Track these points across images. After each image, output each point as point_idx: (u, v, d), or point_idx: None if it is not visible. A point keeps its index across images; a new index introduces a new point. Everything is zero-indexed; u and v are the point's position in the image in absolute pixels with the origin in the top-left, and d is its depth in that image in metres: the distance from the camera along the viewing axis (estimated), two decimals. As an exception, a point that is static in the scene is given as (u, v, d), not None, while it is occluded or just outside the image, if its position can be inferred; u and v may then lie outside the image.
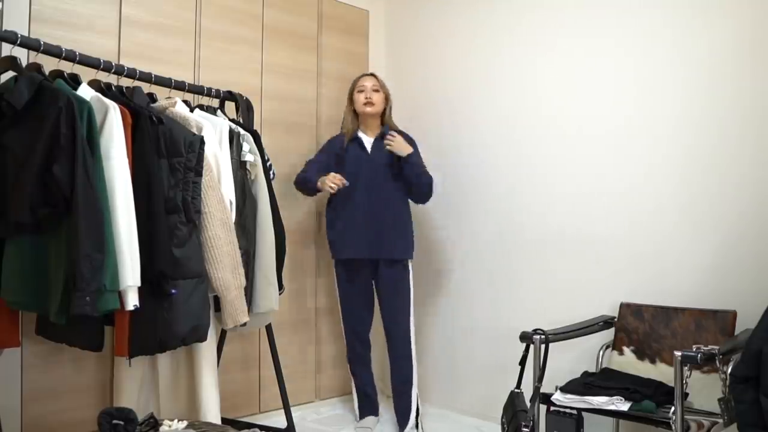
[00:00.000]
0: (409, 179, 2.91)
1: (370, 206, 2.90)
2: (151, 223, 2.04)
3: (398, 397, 2.94)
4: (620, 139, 2.64)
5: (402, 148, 2.88)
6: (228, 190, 2.32)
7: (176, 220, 2.09)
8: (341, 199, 2.92)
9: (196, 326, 2.12)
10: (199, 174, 2.17)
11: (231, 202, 2.32)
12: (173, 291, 2.05)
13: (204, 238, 2.19)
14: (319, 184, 2.87)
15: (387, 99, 3.04)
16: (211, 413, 2.29)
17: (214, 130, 2.35)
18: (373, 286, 3.01)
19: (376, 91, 3.00)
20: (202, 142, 2.18)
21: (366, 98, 2.97)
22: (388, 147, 2.87)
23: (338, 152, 2.99)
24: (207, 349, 2.32)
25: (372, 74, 3.08)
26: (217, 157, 2.30)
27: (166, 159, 2.10)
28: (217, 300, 2.28)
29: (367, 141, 2.99)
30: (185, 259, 2.09)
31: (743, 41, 2.32)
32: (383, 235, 2.90)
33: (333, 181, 2.80)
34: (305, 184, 2.97)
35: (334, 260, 3.04)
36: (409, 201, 3.00)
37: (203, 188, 2.18)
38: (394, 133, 2.92)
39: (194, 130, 2.22)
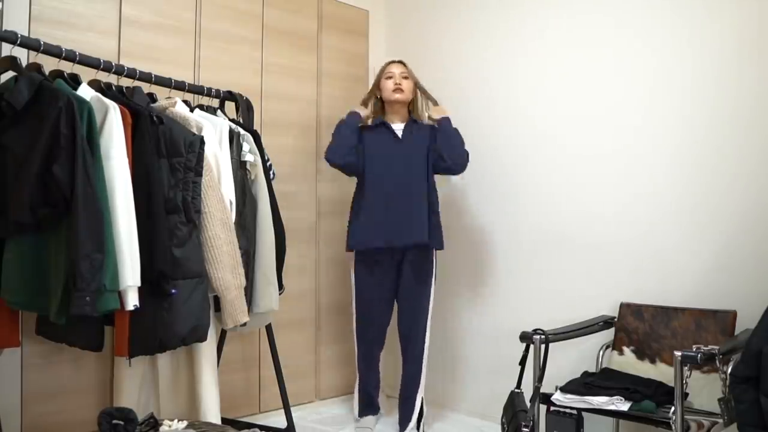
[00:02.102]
0: (447, 139, 2.81)
1: (399, 194, 2.77)
2: (150, 223, 2.04)
3: (404, 400, 2.90)
4: (621, 140, 2.64)
5: (441, 111, 2.89)
6: (228, 190, 2.32)
7: (176, 220, 2.09)
8: (370, 188, 2.81)
9: (196, 326, 2.12)
10: (199, 174, 2.17)
11: (231, 202, 2.32)
12: (173, 291, 2.05)
13: (204, 238, 2.19)
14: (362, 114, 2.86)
15: (416, 88, 2.90)
16: (211, 413, 2.29)
17: (214, 130, 2.35)
18: (395, 282, 2.88)
19: (405, 78, 2.87)
20: (202, 142, 2.18)
21: (396, 84, 2.84)
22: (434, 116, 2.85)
23: (358, 132, 2.86)
24: (207, 349, 2.32)
25: (400, 61, 2.92)
26: (217, 157, 2.30)
27: (166, 159, 2.10)
28: (217, 300, 2.28)
29: (397, 127, 2.88)
30: (185, 259, 2.09)
31: (745, 43, 2.32)
32: (412, 222, 2.76)
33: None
34: (347, 122, 2.87)
35: (353, 253, 2.91)
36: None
37: (203, 188, 2.18)
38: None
39: (194, 130, 2.22)
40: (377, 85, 2.91)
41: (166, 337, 2.06)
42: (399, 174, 2.79)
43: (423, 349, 2.87)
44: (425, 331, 2.88)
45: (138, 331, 2.04)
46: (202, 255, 2.17)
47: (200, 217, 2.17)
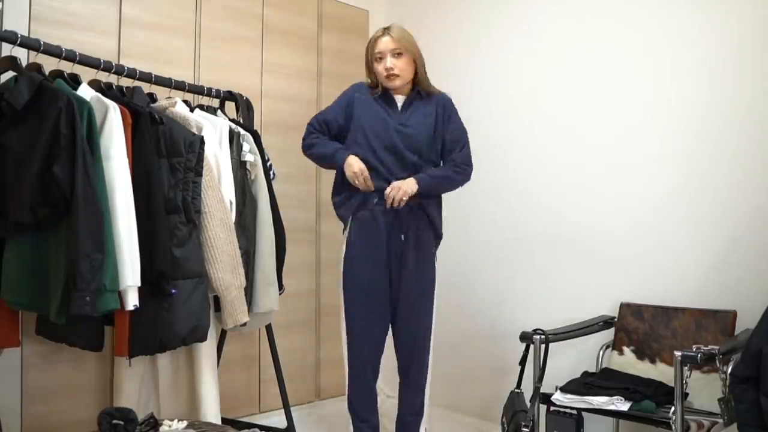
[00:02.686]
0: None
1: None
2: (151, 223, 2.04)
3: (405, 427, 2.50)
4: (621, 140, 2.64)
5: (406, 191, 2.28)
6: (228, 190, 2.32)
7: (176, 220, 2.09)
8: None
9: (196, 326, 2.12)
10: (199, 174, 2.17)
11: (231, 202, 2.32)
12: (173, 291, 2.05)
13: (204, 238, 2.19)
14: (348, 172, 2.31)
15: (416, 60, 2.37)
16: (211, 413, 2.29)
17: (214, 130, 2.35)
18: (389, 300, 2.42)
19: (399, 54, 2.34)
20: (202, 142, 2.18)
21: (387, 69, 2.34)
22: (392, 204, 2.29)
23: (353, 105, 2.41)
24: (207, 349, 2.32)
25: (389, 32, 2.36)
26: (217, 157, 2.30)
27: (166, 159, 2.10)
28: (217, 300, 2.28)
29: (399, 99, 2.43)
30: (185, 259, 2.09)
31: (745, 40, 2.32)
32: (410, 223, 2.38)
33: (365, 185, 2.30)
34: (321, 159, 2.45)
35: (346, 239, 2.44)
36: None
37: (203, 188, 2.18)
38: (390, 188, 2.28)
39: (194, 130, 2.22)
40: (368, 67, 2.44)
41: (167, 337, 2.06)
42: (393, 162, 2.36)
43: (426, 371, 2.50)
44: (429, 345, 2.50)
45: (138, 331, 2.04)
46: (202, 255, 2.17)
47: (200, 217, 2.17)
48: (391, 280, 2.41)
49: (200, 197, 2.17)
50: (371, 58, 2.41)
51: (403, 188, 2.27)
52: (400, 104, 2.43)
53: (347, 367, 2.44)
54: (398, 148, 2.36)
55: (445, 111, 2.46)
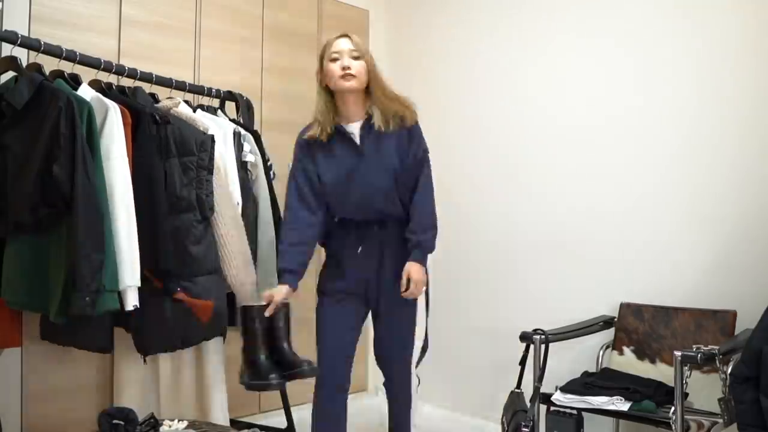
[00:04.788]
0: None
1: (370, 225, 2.21)
2: (153, 223, 2.04)
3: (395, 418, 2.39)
4: (620, 140, 2.64)
5: (419, 285, 2.19)
6: (235, 190, 2.33)
7: (191, 218, 2.11)
8: (336, 224, 2.27)
9: (215, 322, 2.15)
10: (211, 172, 2.20)
11: (238, 203, 2.33)
12: (178, 289, 2.07)
13: (217, 236, 2.20)
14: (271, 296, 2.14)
15: (371, 70, 2.15)
16: (220, 412, 2.30)
17: (219, 131, 2.36)
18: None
19: (356, 57, 2.13)
20: (213, 140, 2.21)
21: (343, 68, 2.11)
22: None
23: (312, 158, 2.23)
24: (215, 348, 2.33)
25: (347, 35, 2.17)
26: (223, 157, 2.32)
27: (176, 158, 2.11)
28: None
29: (353, 130, 2.18)
30: (203, 256, 2.12)
31: (745, 40, 2.32)
32: (386, 255, 2.23)
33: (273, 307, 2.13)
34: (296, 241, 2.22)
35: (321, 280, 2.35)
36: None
37: (213, 187, 2.20)
38: (405, 282, 2.16)
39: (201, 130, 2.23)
40: (320, 70, 2.19)
41: (188, 334, 2.10)
42: (363, 197, 2.18)
43: (410, 388, 2.32)
44: (410, 365, 2.30)
45: (159, 328, 2.06)
46: (217, 251, 2.19)
47: (212, 215, 2.19)
48: (368, 299, 2.28)
49: (213, 195, 2.18)
50: (325, 59, 2.16)
51: (420, 286, 2.18)
52: (357, 136, 2.18)
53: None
54: (365, 201, 2.18)
55: (410, 139, 2.21)
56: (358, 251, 2.23)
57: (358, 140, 2.18)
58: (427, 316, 2.36)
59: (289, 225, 2.24)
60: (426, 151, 2.29)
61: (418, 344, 2.31)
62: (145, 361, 2.18)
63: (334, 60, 2.14)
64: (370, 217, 2.21)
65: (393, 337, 2.30)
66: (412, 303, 2.25)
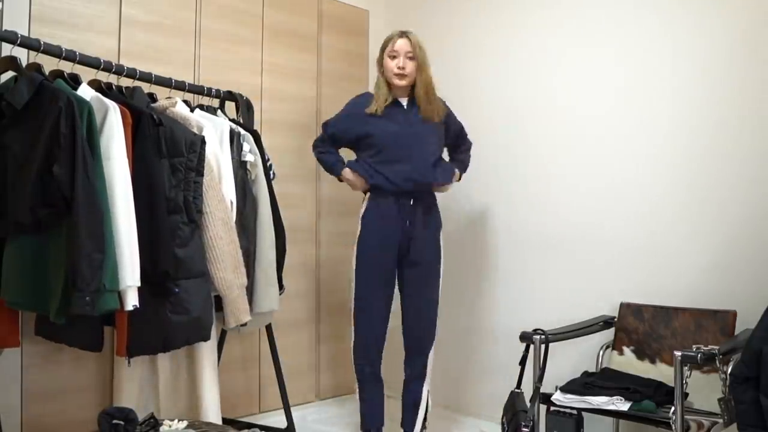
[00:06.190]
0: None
1: (411, 175, 2.55)
2: (152, 224, 2.04)
3: (407, 411, 2.72)
4: (621, 139, 2.64)
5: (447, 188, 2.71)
6: (228, 190, 2.32)
7: (178, 220, 2.10)
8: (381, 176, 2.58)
9: (199, 326, 2.13)
10: (201, 174, 2.17)
11: (232, 202, 2.32)
12: (176, 290, 2.05)
13: (205, 238, 2.19)
14: (346, 179, 2.64)
15: (420, 68, 2.55)
16: (212, 413, 2.29)
17: (214, 131, 2.35)
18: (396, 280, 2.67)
19: (411, 58, 2.54)
20: (203, 141, 2.18)
21: (399, 67, 2.53)
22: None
23: (364, 118, 2.59)
24: (207, 349, 2.32)
25: (407, 35, 2.57)
26: (217, 157, 2.31)
27: (167, 159, 2.10)
28: (217, 299, 2.28)
29: (402, 102, 2.64)
30: (188, 259, 2.10)
31: (743, 40, 2.32)
32: (420, 209, 2.61)
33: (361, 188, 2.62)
34: (329, 169, 2.72)
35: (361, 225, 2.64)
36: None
37: (204, 188, 2.19)
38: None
39: (194, 130, 2.22)
40: (380, 62, 2.62)
41: (171, 337, 2.07)
42: (407, 156, 2.56)
43: (428, 360, 2.72)
44: (433, 335, 2.72)
45: (141, 331, 2.04)
46: (204, 254, 2.17)
47: (202, 217, 2.18)
48: (400, 256, 2.63)
49: (202, 197, 2.17)
50: (384, 54, 2.58)
51: (453, 177, 2.70)
52: (405, 103, 2.63)
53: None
54: (413, 152, 2.57)
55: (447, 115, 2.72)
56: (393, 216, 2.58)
57: (405, 105, 2.62)
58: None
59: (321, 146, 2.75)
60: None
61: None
62: (129, 362, 2.17)
63: (392, 58, 2.55)
64: (408, 186, 2.55)
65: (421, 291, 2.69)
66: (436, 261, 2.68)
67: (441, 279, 2.71)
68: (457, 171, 2.75)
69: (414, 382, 2.70)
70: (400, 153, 2.55)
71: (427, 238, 2.65)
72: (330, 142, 2.72)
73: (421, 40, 2.58)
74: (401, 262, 2.64)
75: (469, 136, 2.86)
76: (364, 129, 2.59)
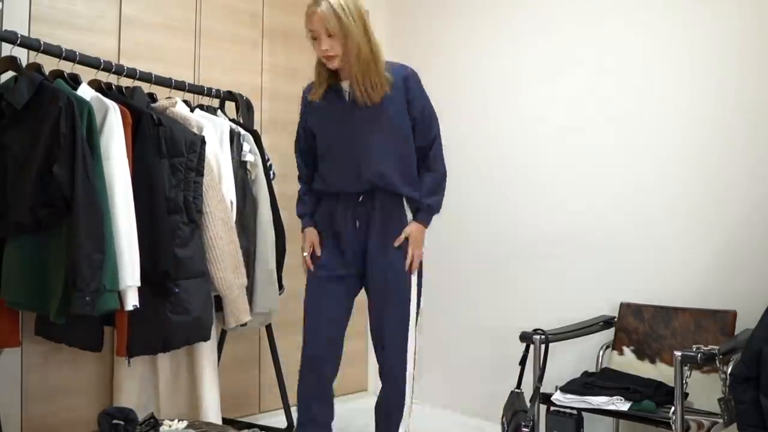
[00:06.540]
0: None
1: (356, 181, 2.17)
2: (152, 224, 2.04)
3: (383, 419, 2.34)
4: (621, 140, 2.64)
5: (417, 246, 2.21)
6: (228, 190, 2.32)
7: (178, 220, 2.10)
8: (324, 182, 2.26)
9: (199, 326, 2.13)
10: (201, 174, 2.18)
11: (232, 202, 2.32)
12: (176, 290, 2.05)
13: (205, 238, 2.19)
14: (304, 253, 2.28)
15: (346, 38, 2.03)
16: (212, 413, 2.29)
17: (214, 131, 2.35)
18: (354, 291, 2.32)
19: (330, 36, 2.03)
20: (203, 141, 2.19)
21: (323, 50, 2.06)
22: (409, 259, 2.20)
23: (309, 107, 2.25)
24: (207, 349, 2.32)
25: (317, 9, 2.01)
26: (217, 157, 2.31)
27: (167, 159, 2.11)
28: (217, 299, 2.29)
29: (345, 86, 2.16)
30: (188, 259, 2.10)
31: (748, 41, 2.32)
32: (374, 220, 2.20)
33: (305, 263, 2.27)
34: (298, 216, 2.37)
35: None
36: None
37: (204, 188, 2.19)
38: (401, 237, 2.19)
39: (194, 130, 2.22)
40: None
41: (170, 337, 2.08)
42: (349, 154, 2.16)
43: (404, 382, 2.23)
44: (405, 357, 2.22)
45: (141, 331, 2.05)
46: (204, 254, 2.17)
47: (201, 217, 2.18)
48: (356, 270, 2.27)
49: (202, 197, 2.17)
50: (308, 36, 2.09)
51: (418, 252, 2.21)
52: (346, 93, 2.15)
53: None
54: (359, 159, 2.15)
55: (407, 90, 2.19)
56: (346, 223, 2.21)
57: (346, 95, 2.15)
58: (419, 300, 2.26)
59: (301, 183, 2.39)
60: (432, 108, 2.28)
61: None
62: (129, 362, 2.17)
63: (314, 39, 2.08)
64: (358, 187, 2.17)
65: (387, 310, 2.23)
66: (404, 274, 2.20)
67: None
68: (415, 224, 2.22)
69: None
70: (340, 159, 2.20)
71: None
72: (306, 168, 2.36)
73: (335, 5, 2.01)
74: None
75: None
76: (311, 130, 2.28)
